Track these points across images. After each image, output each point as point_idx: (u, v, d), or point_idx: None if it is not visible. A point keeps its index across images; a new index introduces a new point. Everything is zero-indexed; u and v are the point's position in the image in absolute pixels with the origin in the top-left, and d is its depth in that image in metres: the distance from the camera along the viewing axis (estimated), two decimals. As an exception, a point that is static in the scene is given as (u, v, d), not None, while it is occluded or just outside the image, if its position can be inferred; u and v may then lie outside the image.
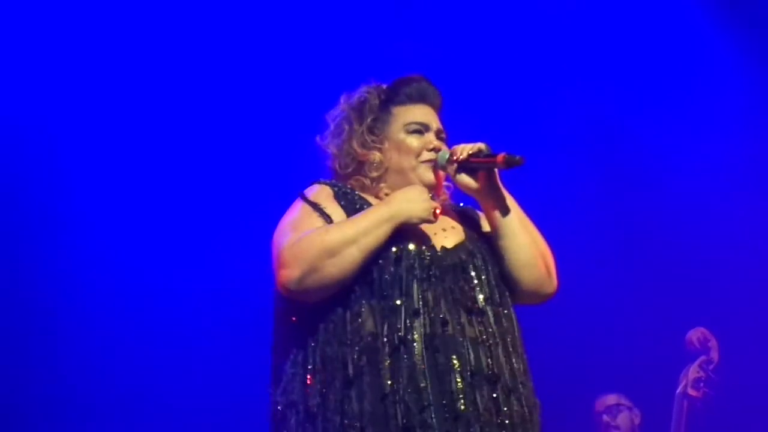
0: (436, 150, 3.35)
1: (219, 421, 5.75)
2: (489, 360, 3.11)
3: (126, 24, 5.94)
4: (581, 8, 6.54)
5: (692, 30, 6.55)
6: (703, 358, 5.56)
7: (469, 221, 3.38)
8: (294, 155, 5.85)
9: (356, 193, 3.31)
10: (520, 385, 3.16)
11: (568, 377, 5.99)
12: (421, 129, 3.38)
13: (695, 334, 5.58)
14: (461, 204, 3.46)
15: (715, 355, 5.55)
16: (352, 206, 3.24)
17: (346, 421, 3.02)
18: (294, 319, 3.18)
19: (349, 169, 3.37)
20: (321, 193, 3.27)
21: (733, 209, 6.41)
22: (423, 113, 3.40)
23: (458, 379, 3.06)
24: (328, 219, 3.18)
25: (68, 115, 5.89)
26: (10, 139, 5.82)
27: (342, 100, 3.43)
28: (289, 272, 3.08)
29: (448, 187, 3.45)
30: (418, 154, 3.35)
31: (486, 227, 3.36)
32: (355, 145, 3.36)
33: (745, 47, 6.53)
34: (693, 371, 5.56)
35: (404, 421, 3.00)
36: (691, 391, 5.54)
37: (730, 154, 6.48)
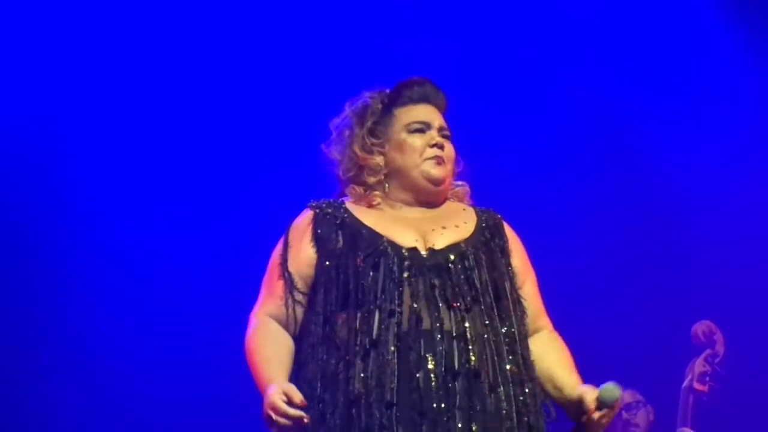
0: (438, 146, 3.33)
1: (220, 421, 5.75)
2: (470, 356, 3.07)
3: (138, 25, 5.93)
4: (589, 7, 6.51)
5: (699, 28, 6.53)
6: (708, 351, 5.55)
7: (485, 230, 3.33)
8: (301, 156, 5.88)
9: (343, 207, 3.31)
10: (511, 385, 3.11)
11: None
12: (423, 127, 3.36)
13: (700, 328, 5.57)
14: (486, 209, 3.42)
15: (720, 348, 5.54)
16: (332, 224, 3.27)
17: None
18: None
19: (351, 174, 3.37)
20: (300, 224, 3.31)
21: (739, 203, 6.39)
22: (425, 112, 3.38)
23: (432, 376, 3.04)
24: (289, 279, 3.25)
25: (76, 114, 5.88)
26: (18, 138, 5.81)
27: (346, 106, 3.43)
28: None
29: (462, 186, 3.43)
30: (421, 153, 3.33)
31: (512, 251, 3.34)
32: (356, 148, 3.36)
33: (752, 46, 6.50)
34: (699, 365, 5.54)
35: (367, 422, 3.01)
36: (696, 385, 5.53)
37: (734, 151, 6.46)
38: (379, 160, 3.34)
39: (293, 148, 5.84)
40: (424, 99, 3.40)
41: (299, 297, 3.23)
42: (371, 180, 3.34)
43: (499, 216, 3.41)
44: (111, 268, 5.83)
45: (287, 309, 3.24)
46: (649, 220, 6.49)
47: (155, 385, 5.74)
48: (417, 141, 3.34)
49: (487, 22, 6.35)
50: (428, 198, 3.35)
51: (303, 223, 3.32)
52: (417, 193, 3.34)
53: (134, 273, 5.84)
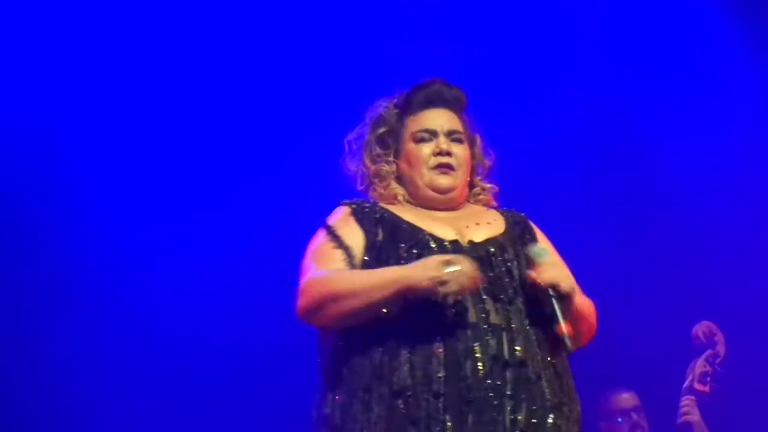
0: (444, 153, 3.30)
1: (222, 421, 5.76)
2: (515, 346, 3.07)
3: (142, 25, 5.93)
4: (591, 6, 6.51)
5: (703, 26, 6.53)
6: (709, 352, 5.53)
7: (514, 226, 3.33)
8: (302, 157, 5.90)
9: (377, 205, 3.30)
10: (553, 376, 3.13)
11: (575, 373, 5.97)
12: (428, 135, 3.34)
13: (701, 328, 5.55)
14: (508, 209, 3.42)
15: (721, 349, 5.52)
16: (371, 218, 3.24)
17: (363, 428, 3.04)
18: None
19: (365, 185, 3.39)
20: (339, 216, 3.27)
21: (740, 203, 6.39)
22: (432, 117, 3.36)
23: (479, 366, 3.04)
24: (346, 250, 3.17)
25: (77, 114, 5.87)
26: (18, 138, 5.81)
27: (365, 116, 3.43)
28: (301, 303, 3.14)
29: (491, 189, 3.42)
30: (427, 162, 3.32)
31: (534, 239, 3.32)
32: (366, 159, 3.37)
33: (756, 44, 6.51)
34: (699, 365, 5.53)
35: (414, 411, 2.99)
36: (697, 386, 5.51)
37: (737, 151, 6.46)
38: (387, 168, 3.33)
39: (296, 149, 5.85)
40: (432, 103, 3.37)
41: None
42: (381, 187, 3.34)
43: (523, 214, 3.42)
44: (111, 268, 5.83)
45: None
46: (649, 220, 6.49)
47: (155, 385, 5.74)
48: (423, 150, 3.33)
49: (489, 21, 6.35)
50: (440, 206, 3.34)
51: (344, 215, 3.28)
52: (428, 202, 3.34)
53: (134, 273, 5.83)
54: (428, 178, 3.33)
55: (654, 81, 6.56)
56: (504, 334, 3.08)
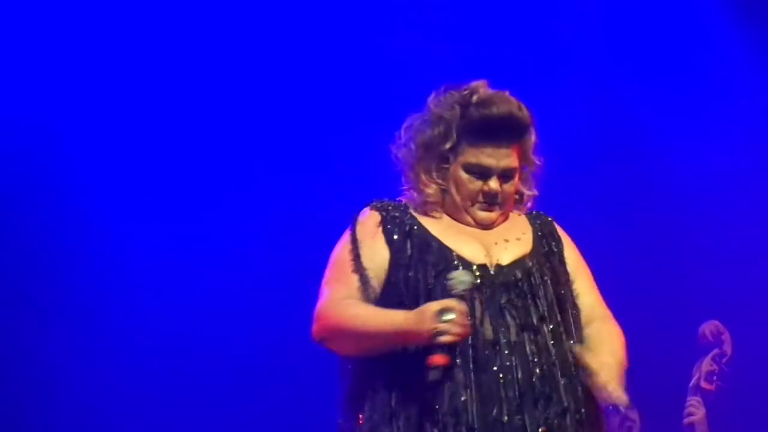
0: (492, 194, 3.22)
1: (223, 422, 5.76)
2: (542, 379, 3.06)
3: (144, 24, 5.91)
4: (593, 5, 6.48)
5: (706, 26, 6.51)
6: (716, 351, 5.52)
7: (542, 240, 3.30)
8: (304, 158, 5.88)
9: (409, 212, 3.25)
10: (584, 405, 3.12)
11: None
12: (482, 172, 3.23)
13: (708, 328, 5.54)
14: (537, 213, 3.39)
15: (728, 348, 5.51)
16: (402, 230, 3.19)
17: None
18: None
19: (409, 187, 3.30)
20: (368, 223, 3.22)
21: (747, 203, 6.38)
22: (489, 155, 3.22)
23: (503, 398, 3.02)
24: (362, 277, 3.13)
25: (79, 114, 5.86)
26: (19, 138, 5.80)
27: (429, 104, 3.28)
28: (314, 329, 3.14)
29: (530, 197, 3.36)
30: (472, 197, 3.25)
31: (565, 251, 3.31)
32: (419, 167, 3.26)
33: (758, 44, 6.48)
34: (706, 364, 5.52)
35: None
36: (704, 384, 5.50)
37: (744, 150, 6.44)
38: (435, 190, 3.24)
39: (297, 150, 5.83)
40: (495, 136, 3.22)
41: (374, 294, 3.15)
42: (422, 202, 3.26)
43: (551, 219, 3.39)
44: (112, 268, 5.82)
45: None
46: (656, 220, 6.47)
47: (156, 385, 5.75)
48: (472, 184, 3.24)
49: (492, 20, 6.34)
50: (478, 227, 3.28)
51: (372, 223, 3.23)
52: (465, 224, 3.27)
53: (135, 273, 5.83)
54: (473, 210, 3.26)
55: (655, 80, 6.55)
56: (529, 365, 3.07)
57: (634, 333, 6.20)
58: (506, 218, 3.31)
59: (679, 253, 6.40)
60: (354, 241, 3.19)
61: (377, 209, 3.25)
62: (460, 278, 3.06)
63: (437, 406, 3.00)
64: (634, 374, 5.69)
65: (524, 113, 3.27)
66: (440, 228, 3.22)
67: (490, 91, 3.28)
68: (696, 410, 5.44)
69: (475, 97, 3.24)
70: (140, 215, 5.87)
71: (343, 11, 6.09)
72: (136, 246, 5.85)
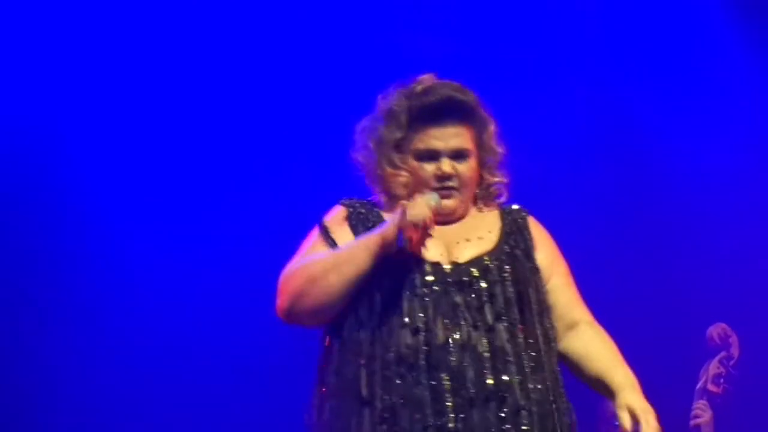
0: (444, 177, 3.21)
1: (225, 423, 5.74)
2: (494, 377, 3.01)
3: (144, 24, 5.89)
4: (596, 5, 6.46)
5: (708, 26, 6.49)
6: (723, 353, 5.49)
7: (509, 237, 3.25)
8: (312, 157, 5.86)
9: (375, 210, 3.25)
10: (536, 405, 3.05)
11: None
12: (431, 155, 3.23)
13: (715, 330, 5.52)
14: (511, 208, 3.35)
15: (735, 351, 5.49)
16: (364, 226, 3.20)
17: None
18: (327, 341, 3.17)
19: (373, 184, 3.29)
20: (336, 216, 3.24)
21: (755, 204, 6.35)
22: (435, 137, 3.23)
23: (451, 398, 2.98)
24: (332, 245, 3.15)
25: (79, 114, 5.84)
26: (19, 137, 5.78)
27: (378, 102, 3.31)
28: (280, 301, 3.12)
29: (501, 182, 3.32)
30: (429, 183, 3.23)
31: (537, 249, 3.26)
32: (381, 160, 3.27)
33: (758, 44, 6.46)
34: (713, 367, 5.50)
35: None
36: (711, 387, 5.48)
37: (750, 151, 6.41)
38: (404, 179, 3.24)
39: (298, 150, 5.82)
40: (437, 118, 3.23)
41: None
42: (398, 192, 3.25)
43: (525, 213, 3.33)
44: (112, 268, 5.80)
45: None
46: (663, 221, 6.45)
47: (155, 385, 5.72)
48: (425, 169, 3.23)
49: (494, 19, 6.32)
50: (443, 220, 3.24)
51: (339, 216, 3.25)
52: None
53: (135, 272, 5.81)
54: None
55: (656, 81, 6.54)
56: (480, 363, 3.02)
57: (642, 336, 6.24)
58: (466, 211, 3.28)
59: (686, 256, 6.37)
60: (322, 227, 3.22)
61: (345, 205, 3.27)
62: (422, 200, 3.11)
63: (393, 404, 2.99)
64: (640, 378, 5.68)
65: (467, 95, 3.27)
66: None
67: (435, 81, 3.30)
68: (702, 413, 5.42)
69: (419, 88, 3.26)
70: (140, 215, 5.86)
71: (343, 12, 6.08)
72: (136, 246, 5.85)
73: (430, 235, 3.05)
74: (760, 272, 6.25)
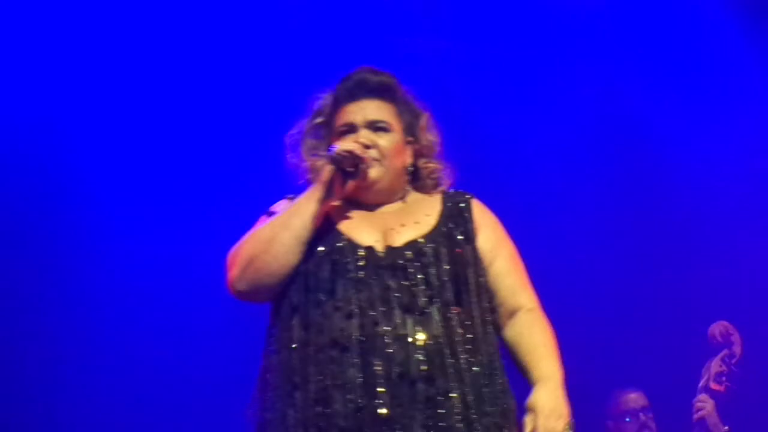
0: (365, 146, 3.21)
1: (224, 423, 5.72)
2: (425, 361, 2.99)
3: (143, 23, 5.90)
4: (598, 5, 6.45)
5: (711, 26, 6.49)
6: (725, 351, 5.49)
7: (448, 220, 3.24)
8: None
9: None
10: (470, 388, 3.02)
11: (585, 374, 5.92)
12: (349, 129, 3.26)
13: (717, 328, 5.51)
14: (456, 192, 3.33)
15: (737, 349, 5.49)
16: None
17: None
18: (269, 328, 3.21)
19: (304, 179, 3.32)
20: (279, 206, 3.27)
21: (757, 203, 6.37)
22: (352, 111, 3.28)
23: (384, 381, 2.97)
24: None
25: (79, 114, 5.84)
26: (19, 137, 5.78)
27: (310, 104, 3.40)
28: (231, 274, 3.14)
29: (437, 170, 3.32)
30: None
31: (479, 231, 3.23)
32: (303, 152, 3.33)
33: (762, 43, 6.45)
34: (715, 365, 5.50)
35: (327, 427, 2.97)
36: (713, 385, 5.48)
37: (752, 150, 6.45)
38: (318, 163, 3.26)
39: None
40: (354, 95, 3.29)
41: None
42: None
43: (469, 196, 3.31)
44: (112, 268, 5.80)
45: None
46: (665, 220, 6.47)
47: (155, 385, 5.72)
48: None
49: (497, 19, 6.32)
50: (374, 199, 3.26)
51: (282, 203, 3.29)
52: (360, 196, 3.25)
53: (135, 272, 5.80)
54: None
55: (661, 81, 6.57)
56: (411, 348, 3.01)
57: (644, 334, 6.24)
58: (393, 188, 3.28)
59: (688, 254, 6.39)
60: (269, 213, 3.25)
61: (289, 198, 3.30)
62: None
63: (325, 388, 3.00)
64: (642, 377, 5.69)
65: (382, 76, 3.33)
66: (341, 213, 3.22)
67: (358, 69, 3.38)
68: (704, 404, 5.42)
69: (342, 80, 3.34)
70: (140, 215, 5.87)
71: (343, 12, 6.08)
72: (136, 246, 5.84)
73: (367, 166, 3.13)
74: (762, 270, 6.25)
